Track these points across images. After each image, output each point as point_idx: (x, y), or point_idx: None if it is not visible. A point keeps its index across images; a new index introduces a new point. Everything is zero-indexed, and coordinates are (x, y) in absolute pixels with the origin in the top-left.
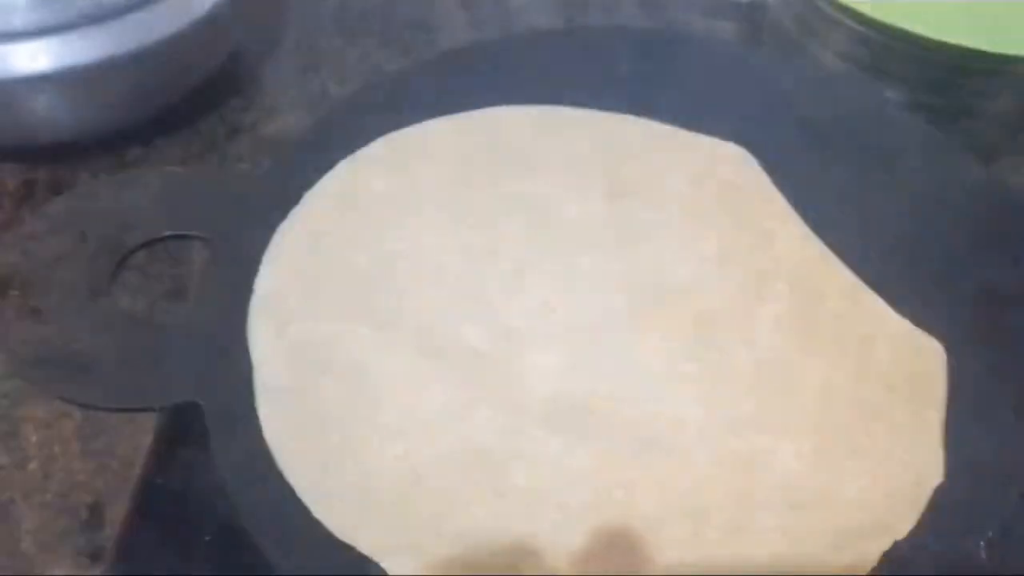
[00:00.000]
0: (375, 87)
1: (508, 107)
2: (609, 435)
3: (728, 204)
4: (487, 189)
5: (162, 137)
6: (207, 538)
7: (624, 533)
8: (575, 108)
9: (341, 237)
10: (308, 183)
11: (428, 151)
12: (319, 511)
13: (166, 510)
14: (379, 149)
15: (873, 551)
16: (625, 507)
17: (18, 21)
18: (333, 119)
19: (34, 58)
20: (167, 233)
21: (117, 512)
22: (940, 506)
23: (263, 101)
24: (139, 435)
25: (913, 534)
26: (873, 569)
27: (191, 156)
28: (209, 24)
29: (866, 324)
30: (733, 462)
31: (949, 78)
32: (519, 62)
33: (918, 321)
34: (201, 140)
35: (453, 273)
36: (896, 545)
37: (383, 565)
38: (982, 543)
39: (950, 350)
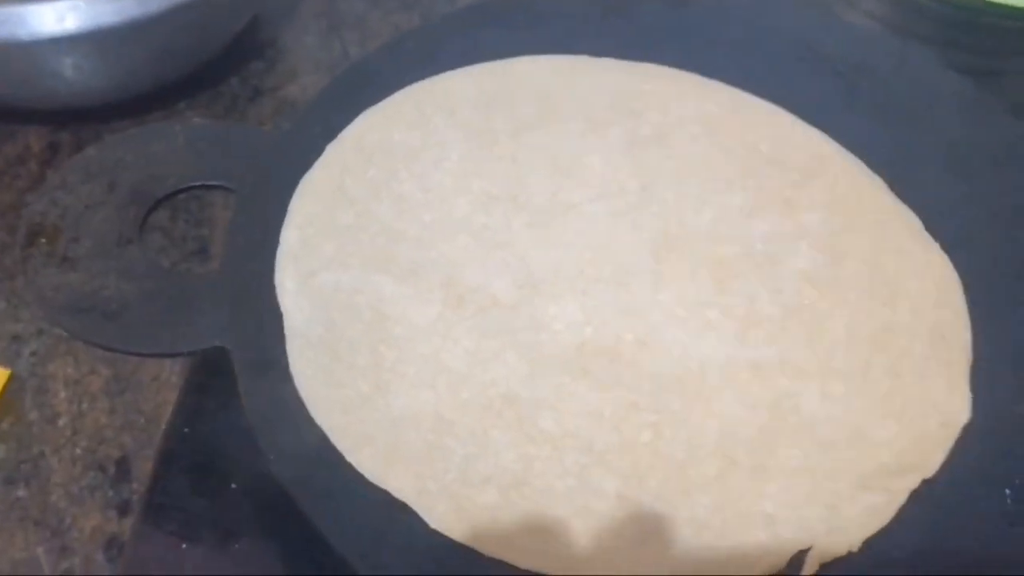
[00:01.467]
0: (398, 43)
1: (528, 57)
2: (635, 380)
3: (753, 159)
4: (509, 139)
5: (185, 100)
6: (234, 485)
7: (651, 475)
8: (596, 57)
9: (365, 188)
10: (331, 135)
11: (449, 102)
12: (351, 455)
13: (193, 458)
14: (400, 101)
15: (901, 489)
16: (651, 449)
17: None
18: (356, 73)
19: (61, 20)
20: (194, 183)
21: (144, 467)
22: (968, 448)
23: (285, 64)
24: (166, 391)
25: (941, 475)
26: (901, 507)
27: (214, 119)
28: None
29: (893, 274)
30: (759, 404)
31: (978, 38)
32: (541, 14)
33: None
34: (223, 103)
35: (476, 223)
36: (924, 484)
37: (416, 509)
38: (1008, 491)
39: (976, 292)
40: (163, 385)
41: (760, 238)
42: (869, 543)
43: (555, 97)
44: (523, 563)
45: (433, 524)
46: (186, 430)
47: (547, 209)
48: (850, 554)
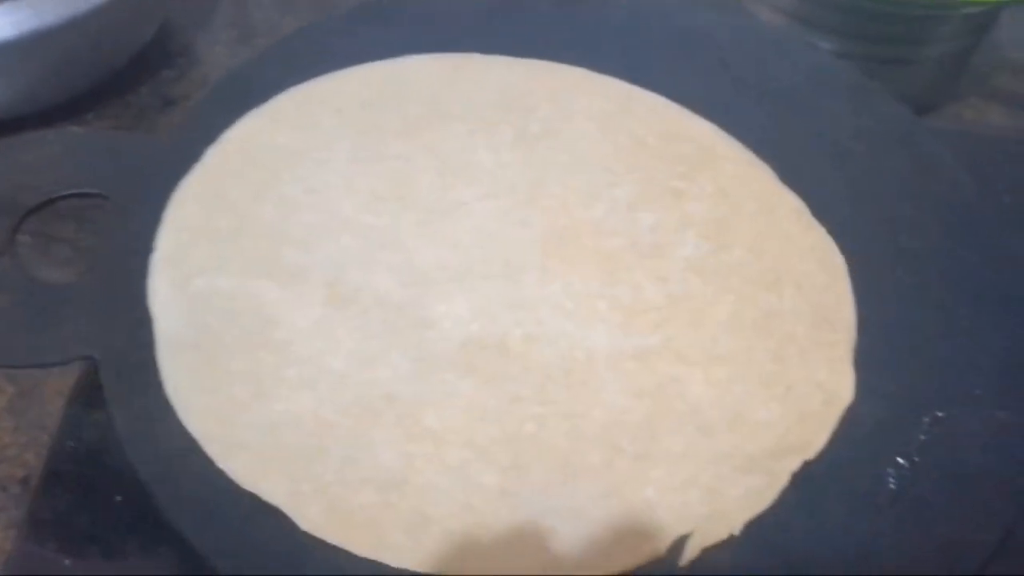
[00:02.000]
0: (283, 44)
1: (416, 56)
2: (521, 374)
3: (641, 152)
4: (397, 139)
5: (93, 112)
6: (118, 498)
7: (534, 467)
8: (485, 55)
9: (246, 191)
10: (213, 140)
11: (336, 103)
12: (222, 462)
13: (78, 473)
14: (285, 102)
15: (782, 471)
16: (535, 441)
17: None
18: (240, 78)
19: None
20: (67, 192)
21: None
22: (852, 429)
23: (196, 72)
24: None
25: (824, 456)
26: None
27: (124, 129)
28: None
29: (778, 259)
30: (643, 392)
31: (882, 27)
32: (430, 13)
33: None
34: (132, 113)
35: (362, 223)
36: (806, 465)
37: (287, 512)
38: (890, 470)
39: (859, 275)
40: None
41: (647, 229)
42: (751, 526)
43: (443, 96)
44: (397, 562)
45: (304, 526)
46: (71, 444)
47: (435, 208)
48: (731, 537)
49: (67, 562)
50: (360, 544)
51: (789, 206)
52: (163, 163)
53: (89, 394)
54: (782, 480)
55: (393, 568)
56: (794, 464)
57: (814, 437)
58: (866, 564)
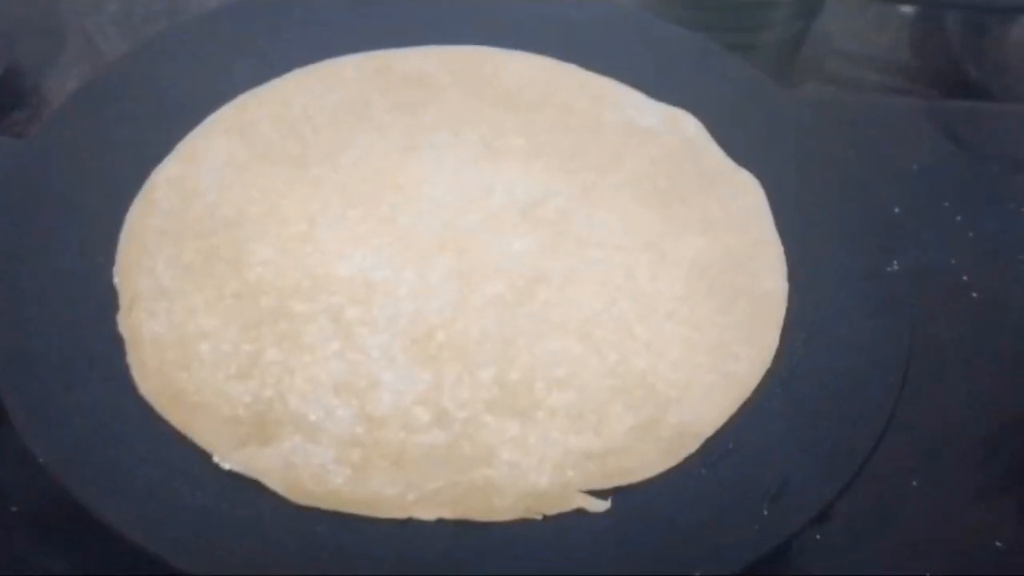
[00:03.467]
0: (145, 47)
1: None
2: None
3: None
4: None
5: None
6: (13, 509)
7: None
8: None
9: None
10: (88, 135)
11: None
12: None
13: None
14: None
15: None
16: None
17: None
18: (96, 83)
19: None
20: None
21: None
22: None
23: (49, 110)
24: None
25: None
26: None
27: None
28: None
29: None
30: None
31: (720, 15)
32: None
33: None
34: None
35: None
36: None
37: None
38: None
39: None
40: None
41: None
42: None
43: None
44: None
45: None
46: None
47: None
48: None
49: None
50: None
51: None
52: (29, 162)
53: None
54: None
55: None
56: None
57: None
58: None
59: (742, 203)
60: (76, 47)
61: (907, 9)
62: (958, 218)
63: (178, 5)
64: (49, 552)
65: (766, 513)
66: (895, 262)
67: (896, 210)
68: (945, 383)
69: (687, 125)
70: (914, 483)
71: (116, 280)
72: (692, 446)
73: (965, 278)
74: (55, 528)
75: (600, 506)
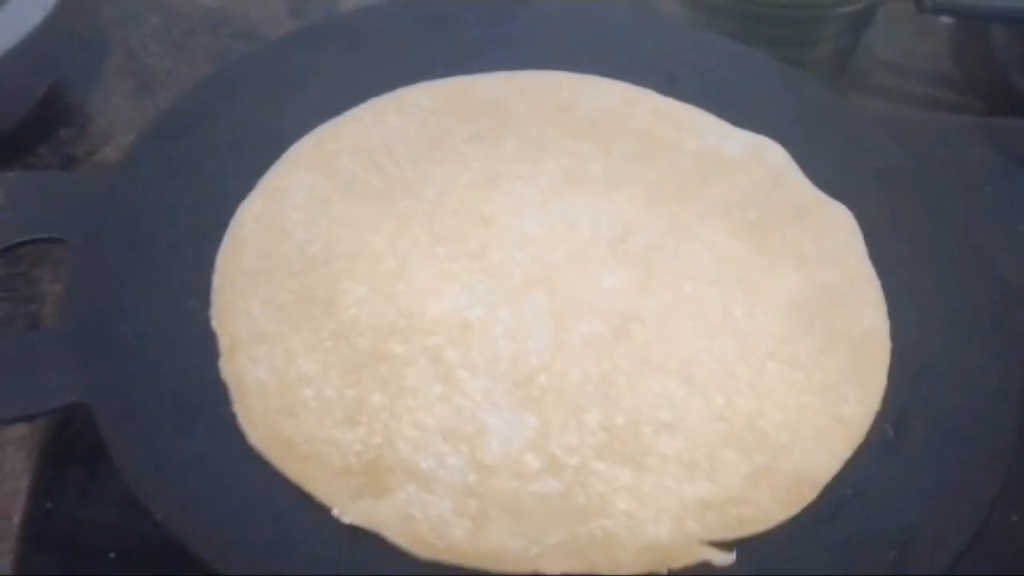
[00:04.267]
0: (218, 75)
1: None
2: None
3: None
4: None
5: None
6: (112, 555)
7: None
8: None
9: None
10: (163, 175)
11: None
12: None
13: (61, 534)
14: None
15: None
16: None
17: None
18: (184, 107)
19: None
20: (23, 238)
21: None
22: None
23: (96, 127)
24: (11, 480)
25: None
26: None
27: None
28: (26, 53)
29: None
30: None
31: (774, 30)
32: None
33: None
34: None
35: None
36: None
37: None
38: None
39: None
40: (7, 476)
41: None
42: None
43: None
44: None
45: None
46: (48, 505)
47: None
48: None
49: None
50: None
51: None
52: (117, 202)
53: (61, 451)
54: None
55: None
56: None
57: None
58: None
59: (835, 236)
60: (119, 62)
61: (948, 19)
62: None
63: (218, 19)
64: None
65: (895, 566)
66: (994, 293)
67: (979, 234)
68: None
69: (772, 154)
70: (1013, 519)
71: (214, 324)
72: (811, 494)
73: None
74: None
75: (726, 559)
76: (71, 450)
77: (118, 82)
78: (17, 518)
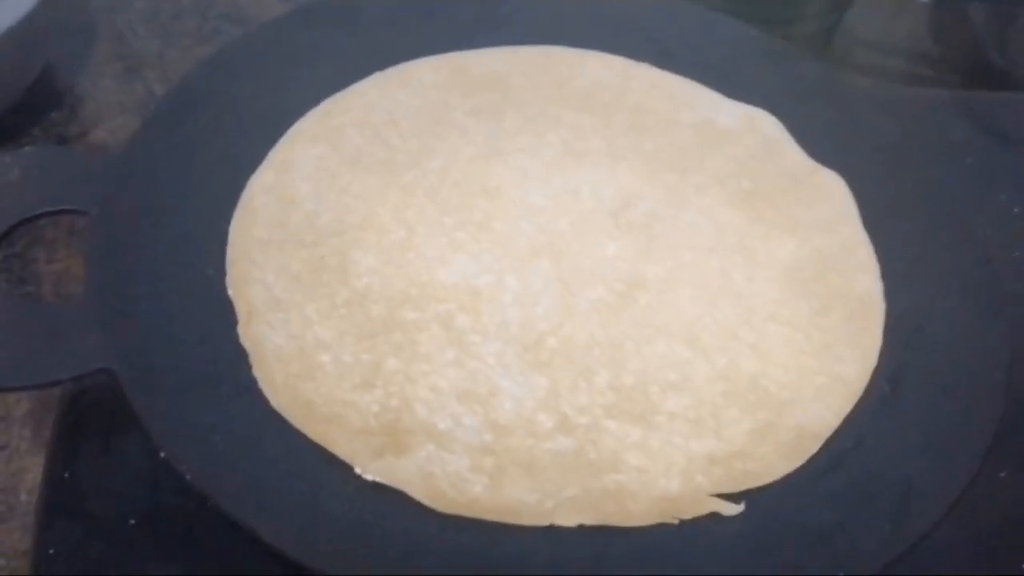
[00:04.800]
0: (229, 50)
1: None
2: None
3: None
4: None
5: None
6: (132, 522)
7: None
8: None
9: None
10: (177, 150)
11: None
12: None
13: (82, 502)
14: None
15: None
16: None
17: None
18: (187, 87)
19: None
20: (43, 210)
21: (9, 541)
22: None
23: (86, 110)
24: (18, 459)
25: None
26: None
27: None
28: (17, 38)
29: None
30: None
31: (760, 8)
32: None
33: None
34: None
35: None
36: None
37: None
38: None
39: None
40: (13, 453)
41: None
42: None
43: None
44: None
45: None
46: (66, 475)
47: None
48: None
49: None
50: None
51: None
52: (135, 175)
53: (77, 421)
54: None
55: None
56: None
57: None
58: None
59: (829, 203)
60: (108, 45)
61: None
62: (1015, 210)
63: (205, 1)
64: (172, 563)
65: (894, 514)
66: (981, 257)
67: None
68: None
69: (766, 124)
70: (1002, 475)
71: (230, 292)
72: (813, 447)
73: None
74: (176, 539)
75: (734, 509)
76: (86, 421)
77: (107, 65)
78: (24, 495)
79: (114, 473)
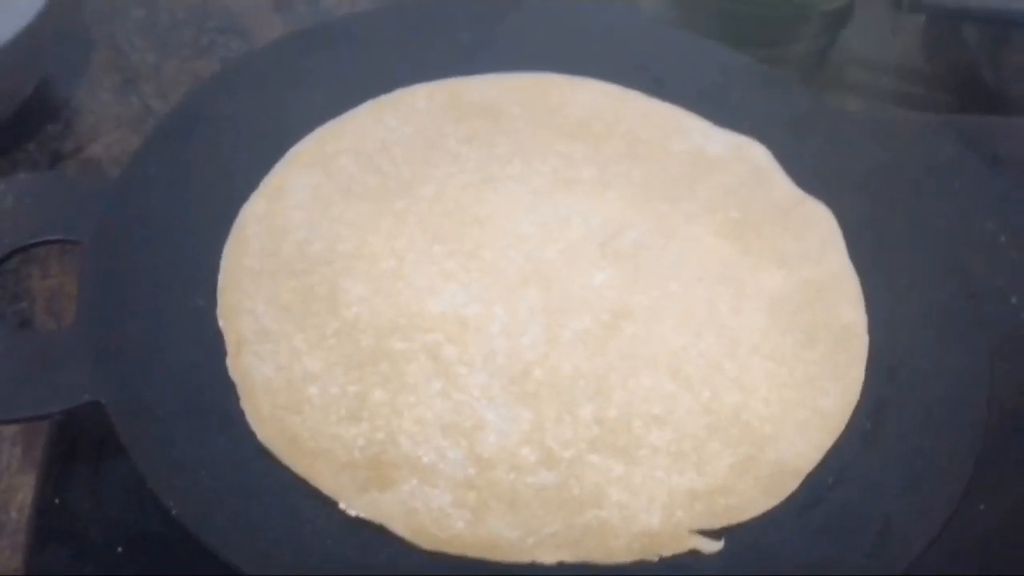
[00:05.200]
0: (221, 75)
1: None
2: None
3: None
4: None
5: None
6: (120, 549)
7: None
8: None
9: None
10: (171, 177)
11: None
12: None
13: (70, 529)
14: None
15: None
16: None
17: None
18: (186, 114)
19: None
20: (36, 240)
21: None
22: None
23: (82, 124)
24: (8, 477)
25: None
26: None
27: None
28: (13, 52)
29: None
30: None
31: (756, 29)
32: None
33: None
34: (23, 171)
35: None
36: None
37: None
38: None
39: None
40: (4, 471)
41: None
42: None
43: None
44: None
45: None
46: (56, 501)
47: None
48: None
49: None
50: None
51: None
52: (127, 204)
53: (68, 448)
54: None
55: None
56: None
57: None
58: None
59: (815, 234)
60: (104, 57)
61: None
62: (1002, 239)
63: (202, 13)
64: None
65: (872, 552)
66: (964, 289)
67: (950, 232)
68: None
69: (755, 153)
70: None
71: (221, 323)
72: (793, 484)
73: (1014, 300)
74: (161, 569)
75: (714, 547)
76: (77, 447)
77: (104, 78)
78: (14, 513)
79: (104, 499)
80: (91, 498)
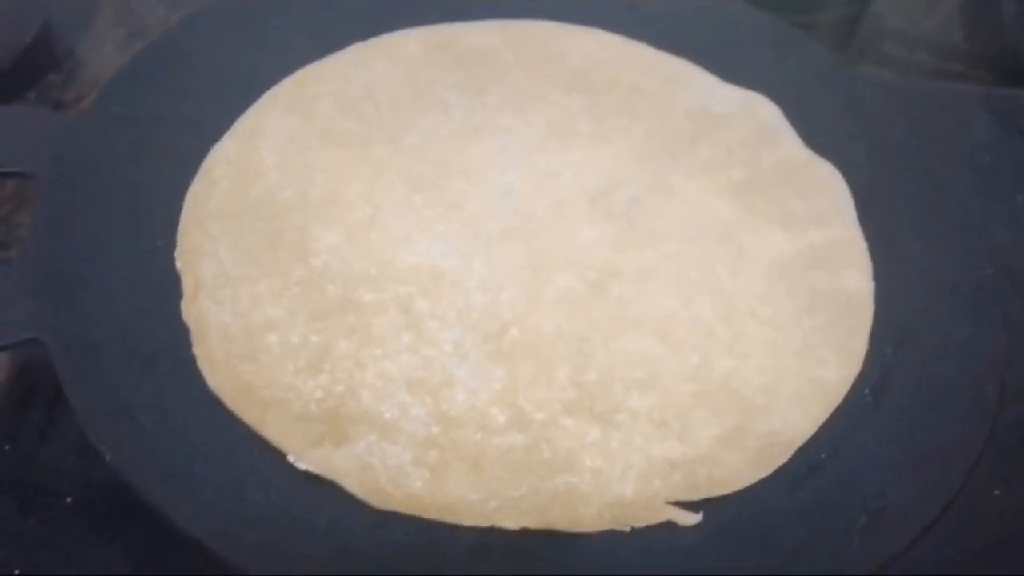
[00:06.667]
0: (196, 17)
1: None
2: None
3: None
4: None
5: None
6: (69, 500)
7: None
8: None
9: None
10: (135, 116)
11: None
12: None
13: (18, 477)
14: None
15: None
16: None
17: None
18: (158, 51)
19: None
20: None
21: None
22: None
23: (85, 74)
24: None
25: None
26: None
27: None
28: None
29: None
30: None
31: None
32: None
33: None
34: None
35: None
36: None
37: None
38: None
39: None
40: None
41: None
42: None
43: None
44: None
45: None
46: (7, 447)
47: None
48: None
49: (16, 572)
50: None
51: None
52: (87, 139)
53: (23, 393)
54: None
55: None
56: None
57: None
58: None
59: (823, 197)
60: (111, 9)
61: None
62: None
63: None
64: (105, 545)
65: (865, 532)
66: (983, 262)
67: (973, 203)
68: None
69: (764, 110)
70: (996, 493)
71: (178, 265)
72: (783, 457)
73: None
74: (111, 521)
75: (691, 519)
76: (31, 394)
77: (109, 30)
78: None
79: (55, 449)
80: (43, 446)
